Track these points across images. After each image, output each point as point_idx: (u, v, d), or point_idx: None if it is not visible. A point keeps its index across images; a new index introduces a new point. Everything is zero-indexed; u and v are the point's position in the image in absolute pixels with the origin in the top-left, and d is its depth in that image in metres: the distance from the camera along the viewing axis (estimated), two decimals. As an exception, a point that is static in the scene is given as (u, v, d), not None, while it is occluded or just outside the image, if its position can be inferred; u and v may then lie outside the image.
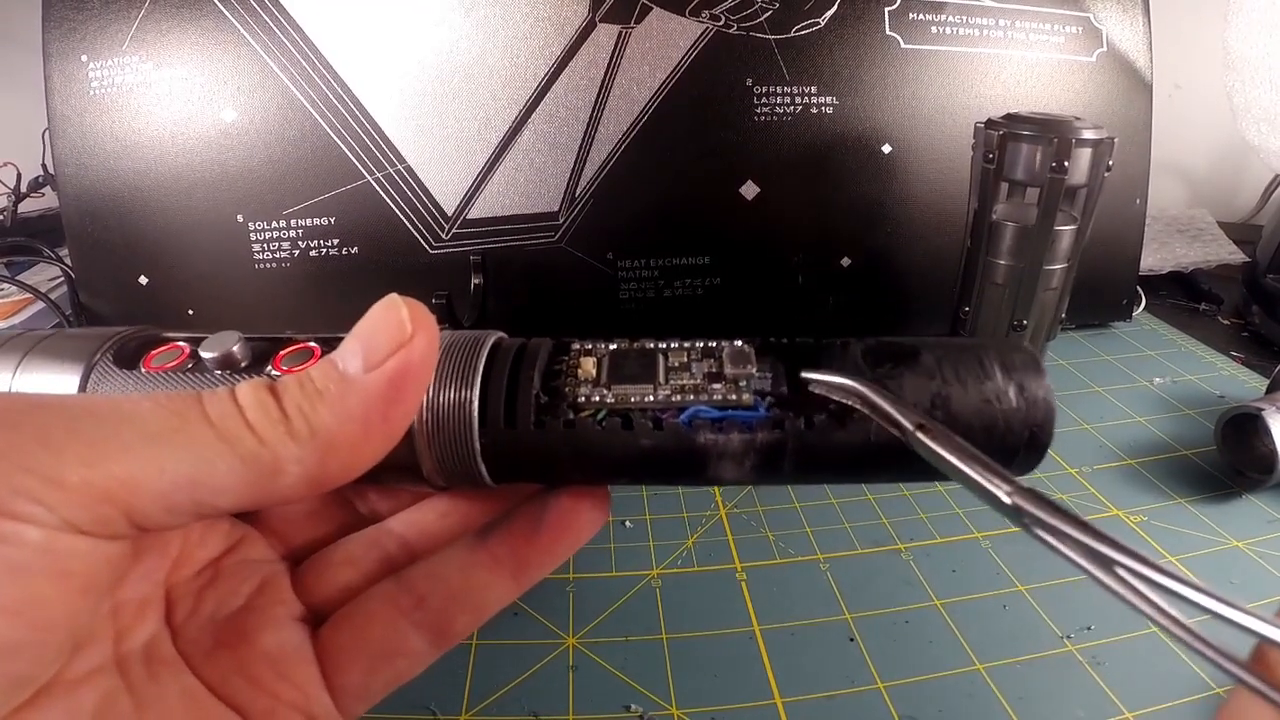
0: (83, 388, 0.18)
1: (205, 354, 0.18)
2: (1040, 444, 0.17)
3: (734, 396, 0.17)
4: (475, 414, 0.17)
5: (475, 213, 0.46)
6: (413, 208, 0.46)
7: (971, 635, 0.29)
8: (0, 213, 0.61)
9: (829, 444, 0.17)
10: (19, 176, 0.61)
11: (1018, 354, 0.18)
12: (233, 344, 0.18)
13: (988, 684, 0.27)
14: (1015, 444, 0.17)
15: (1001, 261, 0.39)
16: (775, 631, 0.29)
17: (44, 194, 0.63)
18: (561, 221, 0.47)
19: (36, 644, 0.13)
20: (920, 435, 0.15)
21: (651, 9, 0.46)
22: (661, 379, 0.18)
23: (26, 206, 0.62)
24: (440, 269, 0.46)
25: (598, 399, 0.18)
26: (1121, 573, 0.13)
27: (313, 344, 0.18)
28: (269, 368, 0.18)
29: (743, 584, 0.31)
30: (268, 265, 0.45)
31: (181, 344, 0.19)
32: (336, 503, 0.21)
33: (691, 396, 0.18)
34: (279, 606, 0.19)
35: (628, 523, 0.34)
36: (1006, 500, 0.14)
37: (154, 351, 0.19)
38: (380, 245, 0.46)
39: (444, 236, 0.46)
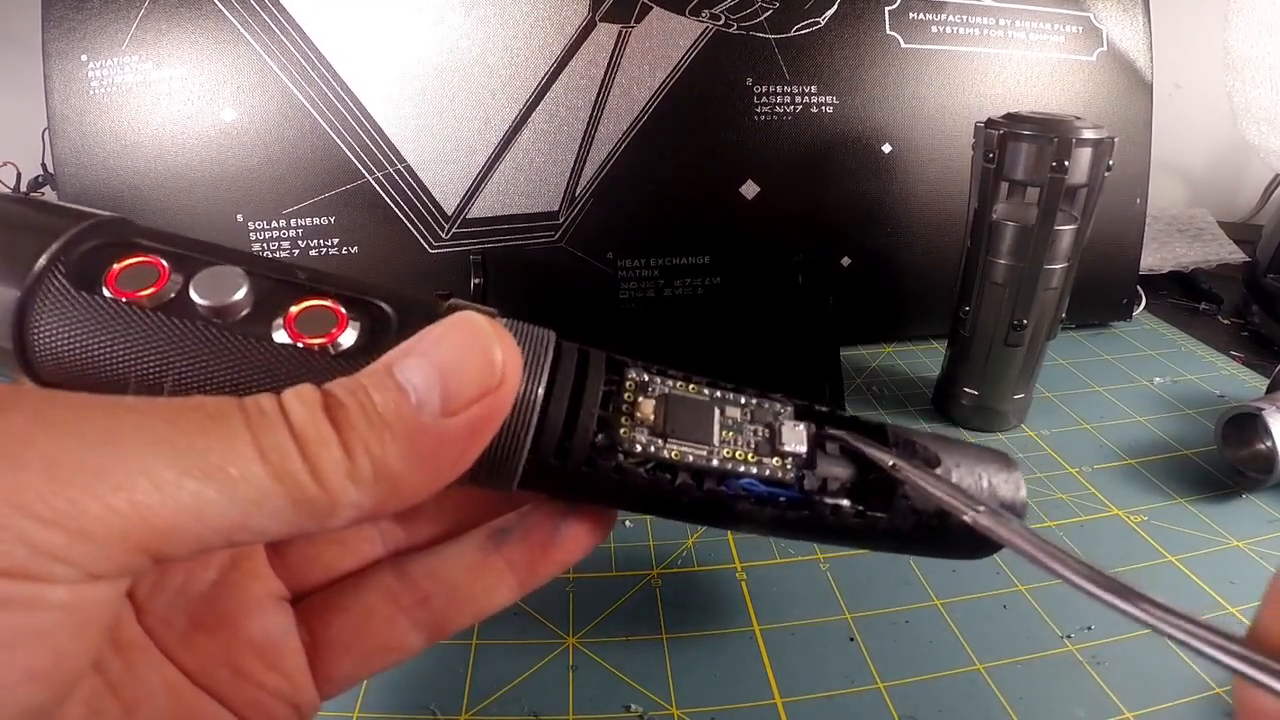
0: (19, 317, 0.14)
1: (199, 298, 0.15)
2: (998, 546, 0.19)
3: (780, 475, 0.18)
4: (529, 447, 0.16)
5: (475, 212, 0.46)
6: (412, 207, 0.46)
7: (971, 635, 0.29)
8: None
9: (844, 526, 0.19)
10: (19, 176, 0.61)
11: (1010, 475, 0.21)
12: (237, 291, 0.15)
13: (988, 684, 0.27)
14: (988, 543, 0.20)
15: (1001, 261, 0.39)
16: (775, 631, 0.29)
17: (44, 193, 0.63)
18: (561, 221, 0.47)
19: (60, 699, 0.12)
20: (897, 471, 0.18)
21: (651, 8, 0.46)
22: (715, 440, 0.18)
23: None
24: (440, 268, 0.46)
25: (653, 450, 0.17)
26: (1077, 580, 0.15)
27: (340, 308, 0.15)
28: (278, 322, 0.15)
29: (743, 584, 0.31)
30: (268, 265, 0.45)
31: (161, 261, 0.15)
32: None
33: (741, 468, 0.18)
34: (258, 584, 0.17)
35: (628, 522, 0.34)
36: (968, 519, 0.17)
37: (121, 265, 0.15)
38: (380, 245, 0.46)
39: (444, 236, 0.46)
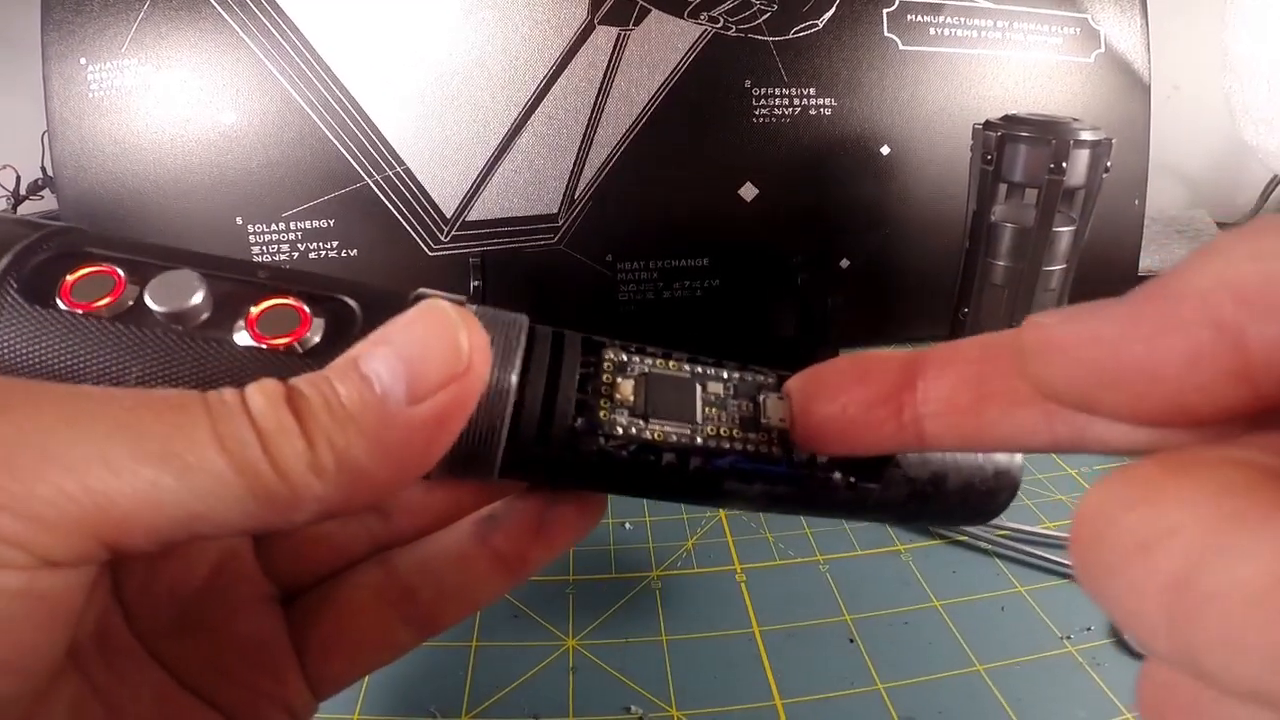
0: None
1: (155, 304, 0.14)
2: (999, 510, 0.19)
3: (765, 449, 0.18)
4: (505, 434, 0.16)
5: (474, 215, 0.46)
6: (412, 210, 0.46)
7: (971, 636, 0.29)
8: (-1, 215, 0.60)
9: (834, 500, 0.18)
10: (18, 179, 0.61)
11: None
12: (193, 296, 0.14)
13: (987, 685, 0.27)
14: (982, 511, 0.20)
15: (1000, 263, 0.39)
16: (775, 633, 0.29)
17: (43, 197, 0.63)
18: (560, 223, 0.47)
19: (28, 694, 0.12)
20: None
21: (650, 11, 0.46)
22: (699, 417, 0.17)
23: (25, 209, 0.62)
24: (439, 271, 0.46)
25: (634, 431, 0.17)
26: None
27: (303, 306, 0.15)
28: (240, 324, 0.15)
29: (742, 585, 0.31)
30: (267, 268, 0.45)
31: (117, 270, 0.14)
32: None
33: (726, 445, 0.17)
34: (246, 585, 0.17)
35: (627, 524, 0.35)
36: None
37: (75, 275, 0.14)
38: (380, 247, 0.46)
39: (443, 239, 0.46)
